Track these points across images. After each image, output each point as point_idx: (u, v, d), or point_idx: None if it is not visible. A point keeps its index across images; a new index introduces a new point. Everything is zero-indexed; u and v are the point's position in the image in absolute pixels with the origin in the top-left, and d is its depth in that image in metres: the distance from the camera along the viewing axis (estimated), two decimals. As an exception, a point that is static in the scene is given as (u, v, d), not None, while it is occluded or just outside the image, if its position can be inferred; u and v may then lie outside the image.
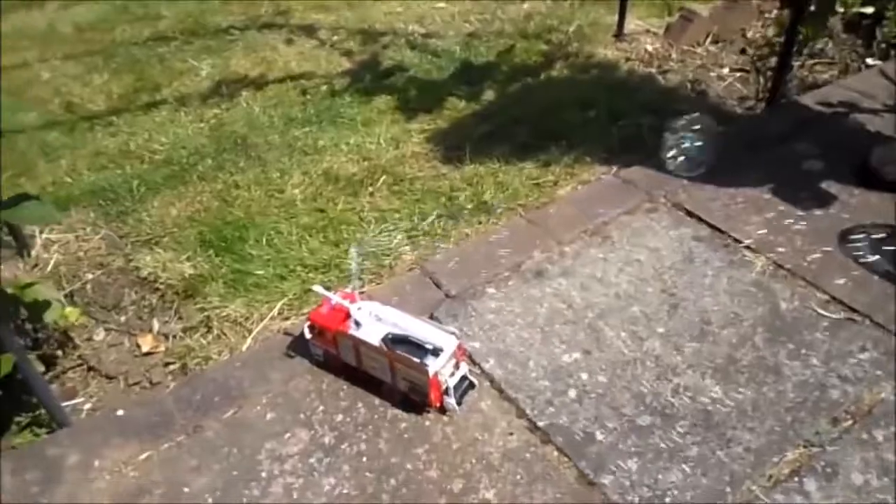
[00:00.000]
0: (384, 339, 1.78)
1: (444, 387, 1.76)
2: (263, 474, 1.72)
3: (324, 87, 3.65)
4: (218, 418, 1.86)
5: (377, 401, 1.86)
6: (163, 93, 3.79)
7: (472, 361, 1.93)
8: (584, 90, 3.31)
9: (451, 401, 1.77)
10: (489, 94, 3.43)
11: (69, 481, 1.74)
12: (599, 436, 1.72)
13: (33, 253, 2.64)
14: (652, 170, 2.60)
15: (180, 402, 1.91)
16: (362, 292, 2.06)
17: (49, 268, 2.57)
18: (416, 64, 3.79)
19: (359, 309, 1.84)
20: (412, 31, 4.22)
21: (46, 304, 2.04)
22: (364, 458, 1.73)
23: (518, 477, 1.66)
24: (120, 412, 1.91)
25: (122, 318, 2.39)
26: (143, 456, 1.79)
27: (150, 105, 3.67)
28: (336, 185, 2.83)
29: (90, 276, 2.54)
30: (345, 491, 1.66)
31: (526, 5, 4.38)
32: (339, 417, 1.83)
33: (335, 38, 4.27)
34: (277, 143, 3.18)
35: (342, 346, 1.85)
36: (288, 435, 1.80)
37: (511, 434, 1.75)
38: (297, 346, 2.01)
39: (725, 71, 3.48)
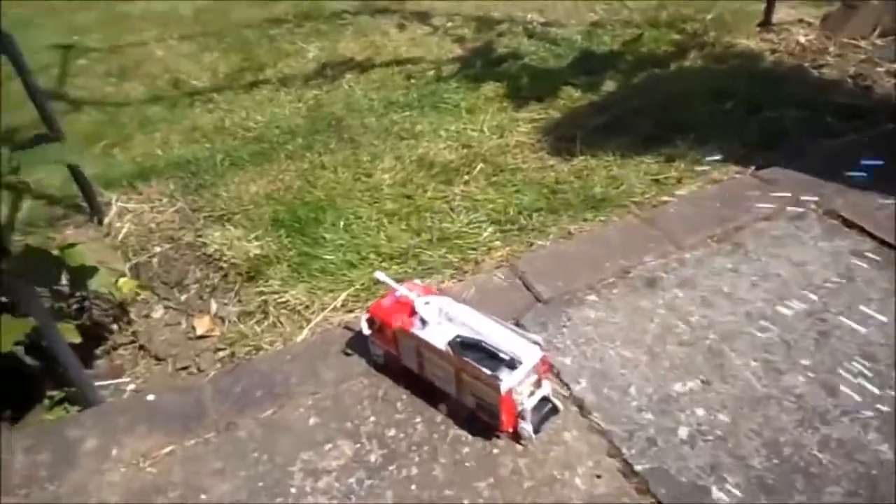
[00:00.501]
0: (451, 343, 1.45)
1: (519, 408, 1.41)
2: (293, 489, 1.43)
3: (430, 73, 3.41)
4: (255, 416, 1.60)
5: (439, 417, 1.54)
6: (266, 73, 3.70)
7: (560, 381, 1.57)
8: (720, 81, 2.87)
9: (526, 426, 1.41)
10: (609, 85, 3.06)
11: (82, 468, 1.53)
12: (716, 492, 1.32)
13: (106, 221, 2.50)
14: (798, 171, 2.13)
15: (218, 394, 1.67)
16: (439, 289, 1.74)
17: (120, 237, 2.42)
18: (531, 51, 3.48)
19: (426, 304, 1.52)
20: (531, 20, 3.92)
21: (92, 270, 1.85)
22: (413, 486, 1.40)
23: (604, 534, 1.28)
24: (151, 397, 1.68)
25: (183, 297, 2.20)
26: (166, 450, 1.55)
27: (252, 84, 3.58)
28: (429, 171, 2.55)
29: (158, 250, 2.37)
30: (385, 523, 1.35)
31: (656, -3, 3.95)
32: (392, 432, 1.52)
33: (449, 24, 4.05)
34: (374, 126, 2.95)
35: (403, 346, 1.54)
36: (329, 446, 1.51)
37: (599, 477, 1.38)
38: (357, 343, 1.72)
39: (896, 67, 2.92)
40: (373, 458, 1.47)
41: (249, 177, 2.65)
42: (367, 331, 1.61)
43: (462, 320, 1.51)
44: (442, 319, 1.52)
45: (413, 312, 1.54)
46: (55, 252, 1.82)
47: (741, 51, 3.13)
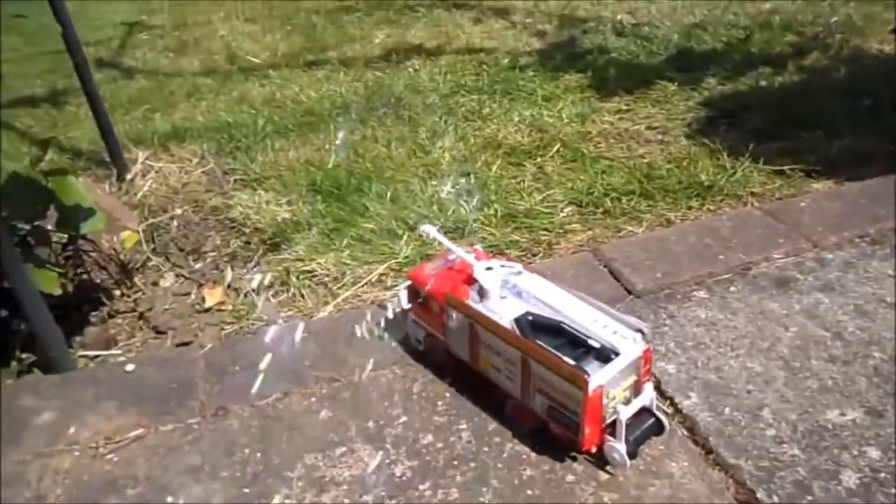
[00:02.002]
0: (520, 321, 1.04)
1: (609, 418, 0.98)
2: (287, 503, 1.03)
3: (505, 61, 3.06)
4: (252, 403, 1.22)
5: (493, 425, 1.12)
6: (328, 54, 3.44)
7: (661, 393, 1.14)
8: (851, 79, 2.42)
9: (619, 447, 0.99)
10: (710, 82, 2.64)
11: (24, 447, 1.17)
12: (907, 572, 0.86)
13: (128, 177, 2.19)
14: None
15: (211, 371, 1.30)
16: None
17: (139, 195, 2.11)
18: (619, 47, 3.09)
19: (488, 269, 1.12)
20: (620, 20, 3.55)
21: (88, 211, 1.51)
22: (452, 515, 0.99)
23: None
24: (129, 367, 1.32)
25: (198, 265, 1.86)
26: (134, 433, 1.18)
27: (311, 63, 3.32)
28: (496, 151, 2.16)
29: (179, 212, 2.04)
30: (407, 564, 0.93)
31: (768, 5, 3.54)
32: (428, 439, 1.11)
33: (528, 20, 3.75)
34: (437, 105, 2.60)
35: (452, 325, 1.14)
36: (342, 450, 1.11)
37: (723, 530, 0.94)
38: (393, 324, 1.33)
39: None
40: (398, 471, 1.06)
41: (291, 144, 2.33)
42: (405, 304, 1.22)
43: (536, 295, 1.10)
44: (508, 293, 1.11)
45: (470, 282, 1.13)
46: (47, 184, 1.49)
47: (874, 54, 2.67)
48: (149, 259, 1.89)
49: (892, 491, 0.97)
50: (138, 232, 1.93)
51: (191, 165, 2.26)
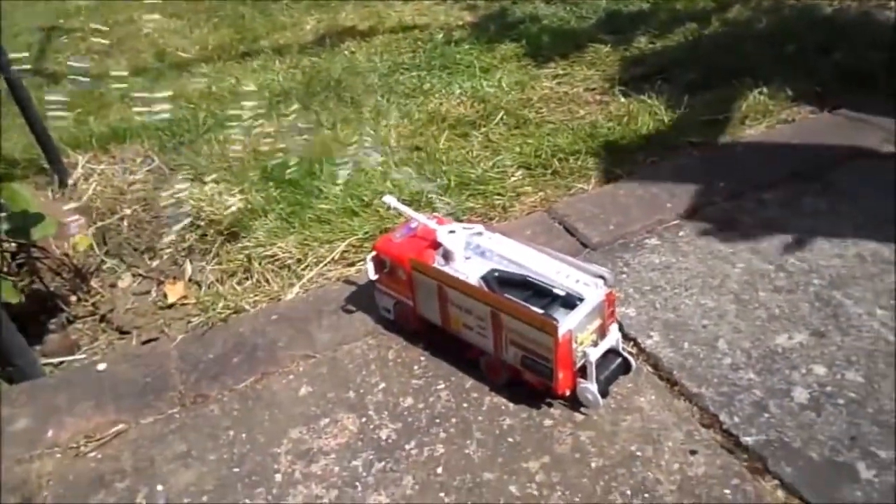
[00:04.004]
0: (486, 278, 1.09)
1: (580, 362, 1.04)
2: (279, 476, 1.06)
3: (439, 37, 3.07)
4: (231, 388, 1.24)
5: (469, 381, 1.17)
6: (261, 44, 3.38)
7: (624, 336, 1.20)
8: (775, 28, 2.52)
9: (591, 387, 1.04)
10: (641, 41, 2.71)
11: (4, 456, 1.16)
12: (865, 471, 0.95)
13: (70, 182, 2.15)
14: (890, 111, 1.78)
15: (185, 362, 1.30)
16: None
17: (84, 199, 2.06)
18: (550, 14, 3.14)
19: (451, 233, 1.16)
20: (549, -13, 3.57)
21: (37, 217, 1.49)
22: (440, 469, 1.03)
23: (711, 530, 0.90)
24: (102, 366, 1.32)
25: (154, 263, 1.84)
26: (115, 430, 1.18)
27: (244, 54, 3.26)
28: (440, 125, 2.19)
29: (128, 212, 2.01)
30: (402, 518, 0.97)
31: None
32: (408, 402, 1.15)
33: (458, -6, 3.72)
34: (377, 85, 2.60)
35: (421, 290, 1.18)
36: (326, 421, 1.14)
37: (693, 453, 1.01)
38: (361, 298, 1.36)
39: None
40: (384, 434, 1.10)
41: (236, 136, 2.30)
42: (373, 275, 1.25)
43: (499, 253, 1.14)
44: (472, 253, 1.16)
45: (434, 247, 1.17)
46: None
47: (792, 3, 2.79)
48: (103, 262, 1.87)
49: (840, 402, 1.06)
50: (89, 235, 1.90)
51: (134, 165, 2.23)
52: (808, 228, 1.43)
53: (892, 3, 2.70)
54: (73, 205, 2.09)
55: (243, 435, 1.15)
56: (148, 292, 1.77)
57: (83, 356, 1.61)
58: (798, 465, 0.97)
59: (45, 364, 1.56)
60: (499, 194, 1.71)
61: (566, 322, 1.01)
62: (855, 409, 1.04)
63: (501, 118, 2.15)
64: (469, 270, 1.12)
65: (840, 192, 1.52)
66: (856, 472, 0.95)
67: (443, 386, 1.17)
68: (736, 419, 1.04)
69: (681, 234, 1.45)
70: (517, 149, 1.90)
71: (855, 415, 1.03)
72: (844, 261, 1.33)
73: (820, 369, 1.11)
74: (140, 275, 1.84)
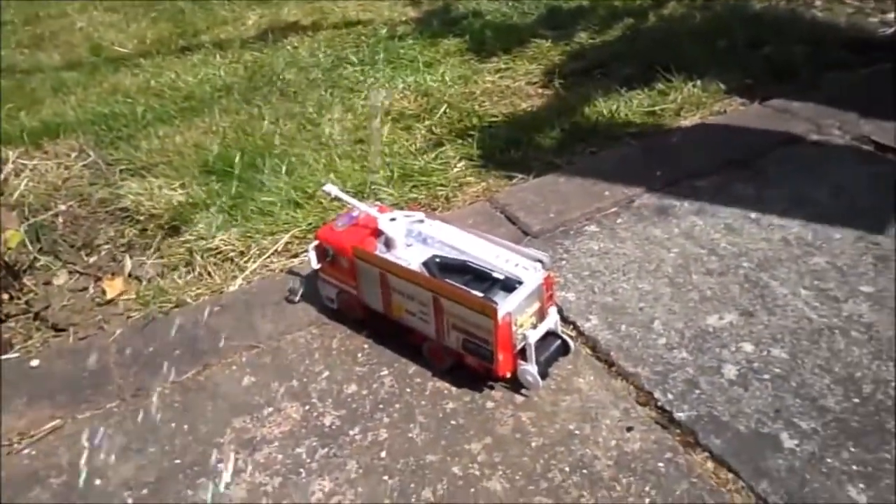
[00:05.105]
0: (427, 264, 1.10)
1: (520, 344, 1.06)
2: (221, 466, 1.06)
3: (383, 32, 3.07)
4: (171, 380, 1.22)
5: (413, 367, 1.18)
6: (201, 39, 3.33)
7: (564, 320, 1.23)
8: (708, 24, 2.60)
9: (530, 369, 1.07)
10: (582, 36, 2.76)
11: (-70, 456, 1.12)
12: (788, 440, 1.00)
13: (0, 178, 2.08)
14: (813, 102, 1.86)
15: (124, 356, 1.28)
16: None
17: (15, 195, 2.00)
18: (493, 10, 3.17)
19: (392, 220, 1.17)
20: (491, -17, 3.60)
21: (-36, 213, 1.44)
22: (383, 453, 1.04)
23: (647, 502, 0.94)
24: (35, 363, 1.28)
25: (92, 259, 1.80)
26: (50, 425, 1.16)
27: (184, 49, 3.20)
28: (384, 118, 2.20)
29: (63, 208, 1.96)
30: (346, 503, 0.97)
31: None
32: (352, 389, 1.15)
33: (401, -10, 3.72)
34: (320, 80, 2.59)
35: (363, 278, 1.19)
36: (269, 410, 1.14)
37: (629, 429, 1.04)
38: (304, 288, 1.35)
39: (892, 17, 2.70)
40: (327, 421, 1.11)
41: (176, 130, 2.27)
42: (315, 264, 1.25)
43: (440, 240, 1.16)
44: (413, 241, 1.17)
45: (376, 235, 1.18)
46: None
47: (725, 0, 2.88)
48: (36, 259, 1.81)
49: (766, 377, 1.10)
50: (20, 231, 1.84)
51: (69, 160, 2.17)
52: (738, 214, 1.48)
53: (817, 3, 2.82)
54: (3, 200, 2.03)
55: (185, 426, 1.14)
56: (85, 289, 1.72)
57: (16, 355, 1.57)
58: (726, 437, 1.01)
59: (-25, 364, 1.51)
60: (442, 185, 1.73)
61: (505, 305, 1.03)
62: (780, 384, 1.09)
63: (444, 111, 2.16)
64: (410, 257, 1.14)
65: (768, 179, 1.58)
66: (779, 442, 0.99)
67: (386, 372, 1.18)
68: (669, 396, 1.08)
69: (619, 220, 1.49)
70: (459, 141, 1.92)
71: (779, 389, 1.08)
72: (771, 244, 1.39)
73: (748, 347, 1.16)
74: (77, 271, 1.80)
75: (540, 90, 2.33)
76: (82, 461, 1.09)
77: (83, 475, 1.08)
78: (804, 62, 2.15)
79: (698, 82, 2.09)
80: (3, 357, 1.56)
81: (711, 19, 2.67)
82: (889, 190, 1.50)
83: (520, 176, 1.74)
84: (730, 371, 1.11)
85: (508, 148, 1.86)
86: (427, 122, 2.16)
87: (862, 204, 1.47)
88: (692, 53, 2.34)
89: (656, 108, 1.99)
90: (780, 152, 1.67)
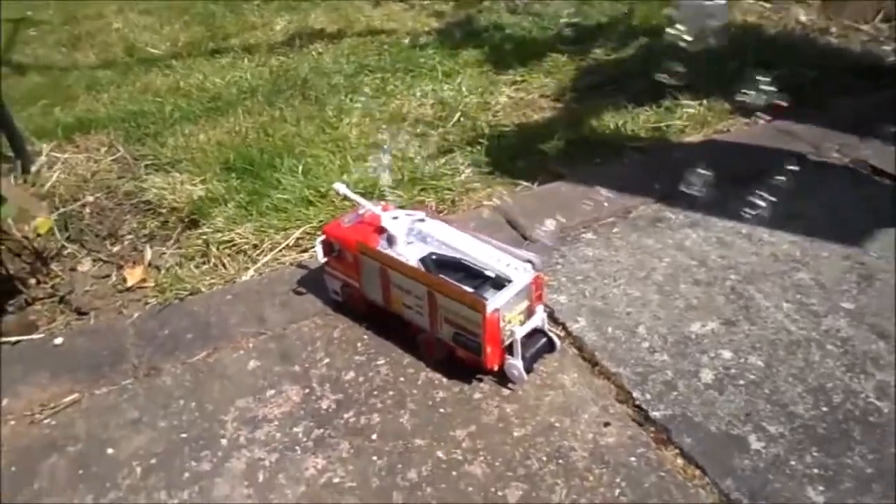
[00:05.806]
0: (424, 260, 1.17)
1: (507, 340, 1.13)
2: (223, 441, 1.13)
3: (405, 41, 3.16)
4: (183, 361, 1.30)
5: (408, 358, 1.25)
6: (230, 42, 3.44)
7: (554, 320, 1.30)
8: (722, 46, 2.64)
9: (517, 363, 1.14)
10: (597, 53, 2.83)
11: (-43, 422, 1.21)
12: (756, 442, 1.05)
13: (33, 169, 2.19)
14: (818, 126, 1.91)
15: (140, 337, 1.37)
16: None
17: (47, 186, 2.11)
18: (513, 24, 3.25)
19: (394, 219, 1.24)
20: (514, -1, 3.68)
21: (-4, 199, 1.54)
22: (374, 436, 1.11)
23: (617, 493, 1.00)
24: (58, 340, 1.38)
25: (115, 248, 1.89)
26: (69, 398, 1.24)
27: (213, 52, 3.31)
28: (401, 124, 2.28)
29: (91, 199, 2.06)
30: (336, 479, 1.05)
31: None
32: (349, 376, 1.23)
33: (426, 1, 3.82)
34: (342, 85, 2.68)
35: (366, 273, 1.26)
36: (272, 392, 1.21)
37: (607, 425, 1.10)
38: (312, 282, 1.44)
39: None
40: (324, 404, 1.18)
41: (201, 128, 2.37)
42: (322, 257, 1.33)
43: (438, 239, 1.23)
44: (414, 238, 1.24)
45: (379, 232, 1.26)
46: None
47: (739, 25, 2.93)
48: (63, 247, 1.91)
49: (741, 383, 1.16)
50: (50, 219, 1.94)
51: (99, 154, 2.28)
52: (730, 228, 1.54)
53: (833, 29, 2.87)
54: (34, 190, 2.14)
55: (193, 404, 1.22)
56: (107, 276, 1.82)
57: (41, 335, 1.66)
58: (698, 436, 1.07)
59: (3, 343, 1.60)
60: (449, 189, 1.80)
61: (494, 301, 1.10)
62: (753, 390, 1.14)
63: (458, 119, 2.24)
64: (410, 254, 1.21)
65: (763, 196, 1.63)
66: (747, 444, 1.05)
67: (383, 362, 1.25)
68: (647, 396, 1.14)
69: (615, 230, 1.56)
70: (469, 148, 1.99)
71: (753, 394, 1.14)
72: (759, 258, 1.44)
73: (727, 354, 1.21)
74: (100, 259, 1.89)
75: (552, 103, 2.39)
76: (97, 432, 1.17)
77: (97, 445, 1.16)
78: (812, 86, 2.20)
79: (704, 102, 2.15)
80: (29, 337, 1.66)
81: (726, 41, 2.72)
82: (880, 212, 1.55)
83: (525, 183, 1.81)
84: (707, 375, 1.17)
85: (516, 156, 1.93)
86: (441, 130, 2.23)
87: (852, 224, 1.52)
88: (704, 72, 2.39)
89: (662, 124, 2.05)
90: (779, 171, 1.72)
